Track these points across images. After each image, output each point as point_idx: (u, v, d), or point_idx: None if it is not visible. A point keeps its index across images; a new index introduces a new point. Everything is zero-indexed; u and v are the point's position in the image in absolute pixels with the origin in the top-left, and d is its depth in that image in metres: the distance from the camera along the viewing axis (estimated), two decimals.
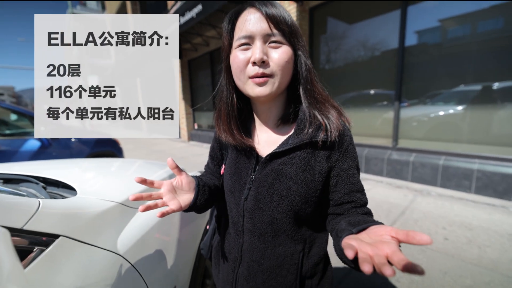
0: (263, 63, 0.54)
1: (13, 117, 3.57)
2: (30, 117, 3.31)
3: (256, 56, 0.53)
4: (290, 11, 4.48)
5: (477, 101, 3.13)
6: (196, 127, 9.54)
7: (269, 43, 0.55)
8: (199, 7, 5.17)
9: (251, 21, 0.54)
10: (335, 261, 2.12)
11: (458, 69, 3.21)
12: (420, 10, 3.44)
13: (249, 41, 0.55)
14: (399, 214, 2.71)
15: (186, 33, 7.19)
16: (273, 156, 0.60)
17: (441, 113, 3.47)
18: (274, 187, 0.59)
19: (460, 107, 3.28)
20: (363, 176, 4.06)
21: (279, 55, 0.55)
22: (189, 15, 5.52)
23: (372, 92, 4.12)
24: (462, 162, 3.18)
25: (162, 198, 0.57)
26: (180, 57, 8.86)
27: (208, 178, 0.75)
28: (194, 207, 0.63)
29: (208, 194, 0.67)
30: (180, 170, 0.62)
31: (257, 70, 0.54)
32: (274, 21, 0.54)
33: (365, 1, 3.90)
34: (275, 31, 0.54)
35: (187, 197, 0.61)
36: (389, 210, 2.82)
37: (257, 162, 0.63)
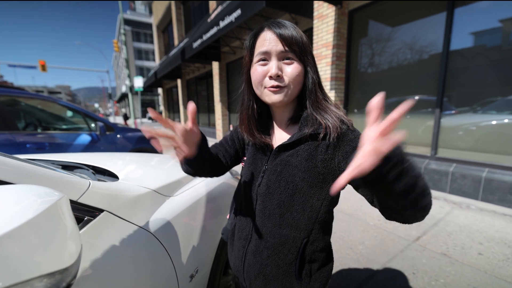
0: (278, 77, 0.65)
1: (69, 113, 3.97)
2: (84, 114, 3.69)
3: (272, 71, 0.64)
4: (328, 14, 4.43)
5: None
6: (231, 128, 9.68)
7: (283, 60, 0.66)
8: (238, 12, 5.31)
9: (268, 41, 0.65)
10: (357, 264, 2.10)
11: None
12: (470, 12, 3.22)
13: (266, 57, 0.66)
14: (432, 225, 2.57)
15: (225, 36, 7.44)
16: (281, 148, 0.71)
17: (487, 122, 3.20)
18: (282, 174, 0.69)
19: (508, 117, 3.02)
20: None
21: (291, 70, 0.65)
22: (228, 19, 5.68)
23: (411, 98, 3.93)
24: (508, 176, 2.93)
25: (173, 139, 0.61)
26: (219, 59, 9.17)
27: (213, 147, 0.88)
28: (198, 156, 0.70)
29: (208, 149, 0.76)
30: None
31: (273, 82, 0.66)
32: (287, 42, 0.64)
33: (408, 1, 3.75)
34: (288, 50, 0.65)
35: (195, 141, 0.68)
36: None
37: (270, 155, 0.74)
